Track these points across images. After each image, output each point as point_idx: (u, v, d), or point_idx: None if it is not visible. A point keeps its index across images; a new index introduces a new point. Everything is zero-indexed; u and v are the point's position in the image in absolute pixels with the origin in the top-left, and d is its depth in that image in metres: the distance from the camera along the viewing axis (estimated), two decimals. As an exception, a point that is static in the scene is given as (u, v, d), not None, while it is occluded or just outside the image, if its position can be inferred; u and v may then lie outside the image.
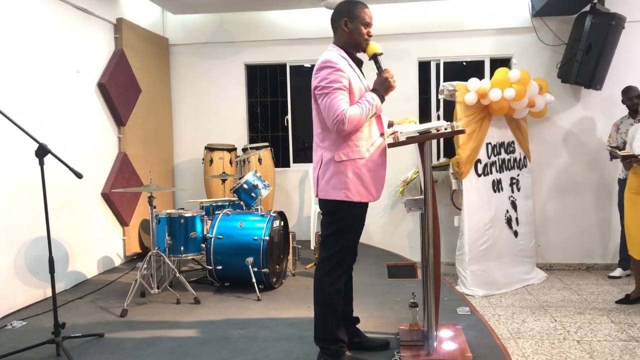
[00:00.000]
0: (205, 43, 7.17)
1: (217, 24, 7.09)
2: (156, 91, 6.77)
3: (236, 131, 7.21)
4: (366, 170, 2.94)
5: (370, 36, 3.02)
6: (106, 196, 5.64)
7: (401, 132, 3.16)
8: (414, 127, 3.21)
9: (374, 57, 3.00)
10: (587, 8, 6.00)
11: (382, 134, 3.05)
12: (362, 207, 3.04)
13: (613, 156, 5.85)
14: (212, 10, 6.91)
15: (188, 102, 7.26)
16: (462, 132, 3.09)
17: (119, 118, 5.88)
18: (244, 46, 7.12)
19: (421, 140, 3.05)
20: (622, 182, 5.71)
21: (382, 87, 3.00)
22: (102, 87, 5.58)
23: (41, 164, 3.29)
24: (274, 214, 4.88)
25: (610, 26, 5.85)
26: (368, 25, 3.00)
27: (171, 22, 7.15)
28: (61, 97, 5.01)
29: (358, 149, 2.92)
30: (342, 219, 2.98)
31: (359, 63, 3.05)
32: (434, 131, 3.05)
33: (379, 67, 3.02)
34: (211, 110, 7.23)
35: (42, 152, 3.27)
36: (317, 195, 3.05)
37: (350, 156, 2.91)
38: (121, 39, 5.91)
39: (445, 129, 3.08)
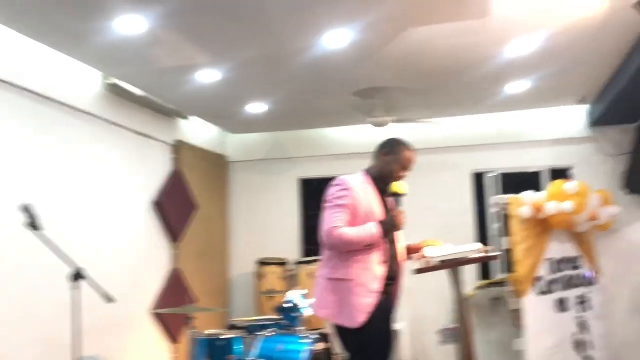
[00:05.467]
0: (262, 160, 7.43)
1: (273, 142, 7.37)
2: (213, 206, 6.97)
3: (290, 245, 7.21)
4: (352, 295, 2.86)
5: (402, 177, 3.08)
6: (156, 313, 5.67)
7: (432, 257, 3.01)
8: (445, 250, 3.06)
9: (395, 196, 3.05)
10: (648, 117, 5.76)
11: (384, 262, 2.96)
12: (347, 332, 2.91)
13: None
14: (269, 129, 7.21)
15: (244, 216, 7.41)
16: (494, 258, 2.92)
17: (174, 234, 6.04)
18: (298, 161, 7.30)
19: (451, 266, 2.89)
20: None
21: (389, 223, 2.97)
22: (158, 205, 5.81)
23: (76, 287, 3.37)
24: (317, 336, 4.69)
25: (675, 135, 5.54)
26: (404, 168, 3.07)
27: (230, 141, 7.51)
28: (118, 215, 5.24)
29: (349, 271, 2.88)
30: (341, 340, 2.95)
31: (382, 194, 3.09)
32: (463, 255, 2.89)
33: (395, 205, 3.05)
34: (266, 224, 7.33)
35: (77, 276, 3.36)
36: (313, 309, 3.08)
37: (340, 276, 2.88)
38: (179, 159, 6.22)
39: (481, 252, 2.92)
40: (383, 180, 3.08)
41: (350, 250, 2.87)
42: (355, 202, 2.91)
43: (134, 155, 5.57)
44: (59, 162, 4.54)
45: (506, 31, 4.16)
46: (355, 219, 2.90)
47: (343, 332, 2.93)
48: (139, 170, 5.63)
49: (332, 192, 2.97)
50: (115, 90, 5.08)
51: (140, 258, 5.55)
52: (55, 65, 4.45)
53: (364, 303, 2.88)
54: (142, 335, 5.50)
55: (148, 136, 5.77)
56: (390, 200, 3.10)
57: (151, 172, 5.83)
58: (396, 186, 3.04)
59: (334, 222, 2.85)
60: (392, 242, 3.05)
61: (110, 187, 5.18)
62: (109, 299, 3.38)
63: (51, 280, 4.39)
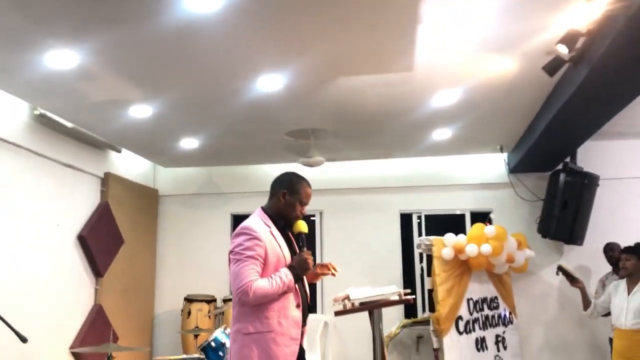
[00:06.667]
0: (194, 194, 7.38)
1: (205, 176, 7.36)
2: (140, 241, 6.83)
3: (220, 281, 7.13)
4: (274, 345, 2.73)
5: (302, 214, 3.03)
6: (75, 353, 5.45)
7: (352, 299, 3.11)
8: (365, 292, 3.16)
9: (299, 235, 3.00)
10: (561, 166, 6.17)
11: (298, 305, 2.88)
12: None
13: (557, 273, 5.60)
14: (201, 164, 7.20)
15: (173, 251, 7.30)
16: (408, 301, 3.04)
17: (97, 269, 5.88)
18: (231, 197, 7.30)
19: (370, 308, 2.99)
20: (612, 342, 5.46)
21: (300, 266, 2.88)
22: (81, 239, 5.66)
23: (-13, 326, 3.24)
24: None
25: (584, 184, 5.96)
26: (304, 204, 3.02)
27: (161, 175, 7.43)
28: (41, 249, 5.07)
29: (267, 321, 2.75)
30: None
31: (285, 230, 3.02)
32: (382, 298, 3.01)
33: (301, 246, 2.99)
34: (196, 260, 7.24)
35: (-12, 315, 3.23)
36: None
37: (258, 329, 2.74)
38: (107, 191, 6.10)
39: (395, 295, 3.04)
40: (284, 219, 3.00)
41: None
42: (264, 250, 2.78)
43: (61, 187, 5.43)
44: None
45: (430, 84, 4.41)
46: (266, 267, 2.79)
47: None
48: (66, 203, 5.48)
49: (238, 242, 2.79)
50: (43, 121, 4.98)
51: (62, 294, 5.36)
52: (-21, 94, 4.34)
53: (288, 352, 2.78)
54: (58, 375, 5.28)
55: (76, 168, 5.65)
56: (290, 237, 3.04)
57: (78, 204, 5.69)
58: (300, 225, 2.99)
59: (247, 277, 2.70)
60: (301, 283, 2.99)
61: (34, 220, 5.02)
62: (22, 339, 3.26)
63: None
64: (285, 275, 2.80)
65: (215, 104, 4.87)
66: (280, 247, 2.90)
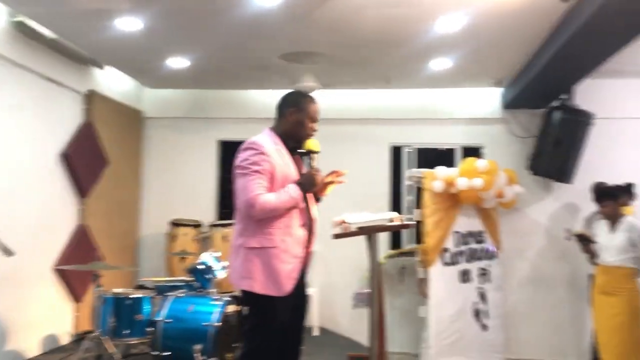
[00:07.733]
0: (180, 118, 7.18)
1: (192, 100, 7.13)
2: (125, 163, 6.67)
3: (205, 207, 7.08)
4: (277, 261, 2.75)
5: (313, 131, 2.96)
6: (59, 270, 5.40)
7: (351, 223, 3.04)
8: (363, 217, 3.10)
9: (309, 153, 2.94)
10: (556, 103, 6.08)
11: (303, 225, 2.88)
12: (274, 301, 2.77)
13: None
14: (189, 86, 6.96)
15: (159, 175, 7.16)
16: (408, 226, 2.99)
17: (82, 189, 5.74)
18: (218, 122, 7.12)
19: (369, 232, 2.93)
20: (591, 278, 5.58)
21: (307, 182, 2.86)
22: (65, 157, 5.48)
23: (-30, 239, 3.13)
24: (229, 298, 4.66)
25: (579, 122, 5.90)
26: (314, 120, 2.96)
27: (147, 96, 7.18)
28: (20, 165, 4.89)
29: (271, 237, 2.76)
30: (255, 312, 2.80)
31: (294, 152, 2.97)
32: (381, 223, 2.95)
33: (311, 165, 2.94)
34: (182, 185, 7.13)
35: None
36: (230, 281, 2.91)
37: (262, 244, 2.75)
38: (90, 110, 5.88)
39: (394, 221, 2.98)
40: (294, 139, 2.95)
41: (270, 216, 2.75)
42: (271, 166, 2.76)
43: (41, 101, 5.19)
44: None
45: (435, 6, 4.21)
46: (273, 184, 2.76)
47: (265, 302, 2.76)
48: (46, 119, 5.26)
49: (245, 156, 2.75)
50: (22, 29, 4.69)
51: (44, 212, 5.24)
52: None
53: (290, 269, 2.79)
54: (43, 292, 5.23)
55: (57, 82, 5.40)
56: (299, 159, 3.01)
57: (59, 121, 5.47)
58: (311, 144, 2.95)
59: (253, 190, 2.68)
60: (307, 203, 2.95)
61: (13, 134, 4.82)
62: (8, 252, 3.17)
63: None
64: (293, 191, 2.79)
65: (208, 19, 4.61)
66: (287, 166, 2.87)
